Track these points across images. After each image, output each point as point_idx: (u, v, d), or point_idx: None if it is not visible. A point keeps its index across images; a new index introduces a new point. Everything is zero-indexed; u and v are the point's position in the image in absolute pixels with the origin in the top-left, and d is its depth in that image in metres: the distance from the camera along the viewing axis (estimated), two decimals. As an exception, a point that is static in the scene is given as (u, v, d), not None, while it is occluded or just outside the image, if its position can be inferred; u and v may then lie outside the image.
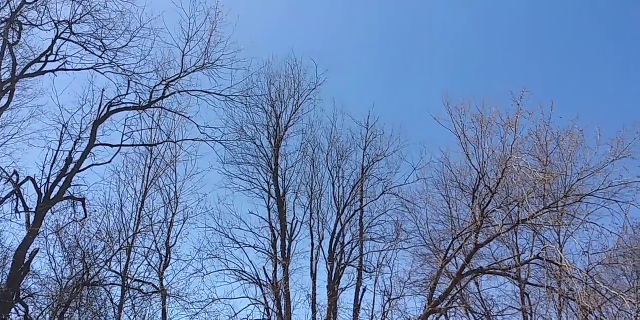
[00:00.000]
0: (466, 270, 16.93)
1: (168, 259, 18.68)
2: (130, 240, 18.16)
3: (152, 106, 17.59)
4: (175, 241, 18.96)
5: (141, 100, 17.31)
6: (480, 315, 20.24)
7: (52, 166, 16.46)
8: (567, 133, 14.98)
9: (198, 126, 17.69)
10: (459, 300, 18.84)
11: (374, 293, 19.61)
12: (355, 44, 40.26)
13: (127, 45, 16.38)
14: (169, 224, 19.14)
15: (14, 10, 15.41)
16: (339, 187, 20.52)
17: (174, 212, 19.30)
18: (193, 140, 18.30)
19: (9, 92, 15.72)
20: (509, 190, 16.21)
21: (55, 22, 16.03)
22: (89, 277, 16.06)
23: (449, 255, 17.71)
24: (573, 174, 14.95)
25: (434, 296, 17.35)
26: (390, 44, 41.69)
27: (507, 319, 20.48)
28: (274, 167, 19.95)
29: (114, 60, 16.58)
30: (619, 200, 14.66)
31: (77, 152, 16.68)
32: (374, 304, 19.41)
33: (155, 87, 17.18)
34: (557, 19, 41.32)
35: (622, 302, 14.11)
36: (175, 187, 19.64)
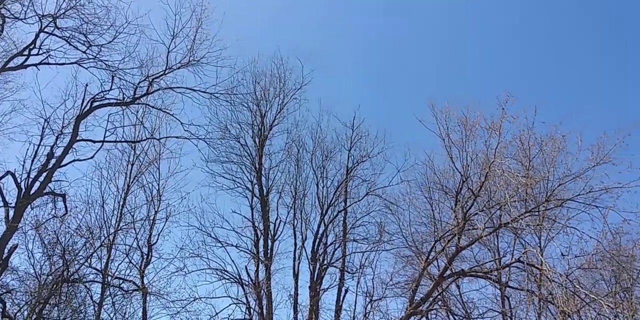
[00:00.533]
0: (448, 272, 17.11)
1: (149, 257, 18.61)
2: (111, 237, 18.06)
3: (136, 102, 17.51)
4: (157, 239, 18.92)
5: (125, 96, 17.23)
6: (461, 317, 20.42)
7: (32, 161, 16.35)
8: (550, 138, 15.23)
9: (182, 123, 17.66)
10: (440, 302, 18.99)
11: (356, 294, 19.71)
12: (341, 44, 40.54)
13: (112, 41, 16.29)
14: (151, 221, 19.07)
15: (-3, 3, 15.28)
16: (323, 187, 20.59)
17: (156, 209, 19.25)
18: (177, 137, 18.26)
19: (-10, 85, 15.58)
20: (491, 194, 16.40)
21: (39, 15, 15.90)
22: (69, 273, 15.97)
23: (431, 257, 17.84)
24: (554, 179, 15.23)
25: (416, 298, 17.48)
26: (377, 46, 42.02)
27: (487, 321, 20.74)
28: (257, 166, 19.93)
29: (98, 56, 16.49)
30: (599, 206, 14.96)
31: (58, 147, 16.58)
32: (355, 305, 19.52)
33: (139, 83, 17.11)
34: (543, 25, 41.92)
35: (600, 307, 14.35)
36: (158, 184, 19.59)
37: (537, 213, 15.66)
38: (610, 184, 14.68)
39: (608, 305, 14.35)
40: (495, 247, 20.36)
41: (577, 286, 14.98)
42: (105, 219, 18.35)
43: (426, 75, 41.50)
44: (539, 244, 19.14)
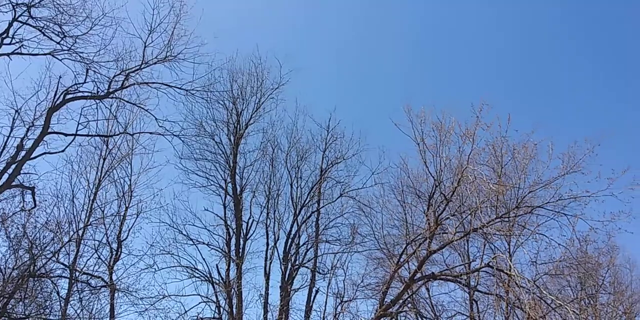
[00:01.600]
0: (418, 275, 17.37)
1: (119, 253, 18.52)
2: (80, 232, 17.90)
3: (110, 96, 17.32)
4: (127, 235, 18.81)
5: (99, 89, 17.03)
6: (430, 320, 20.81)
7: (1, 152, 16.08)
8: (522, 146, 15.61)
9: (156, 119, 17.49)
10: (409, 305, 19.32)
11: (327, 295, 19.94)
12: (319, 46, 40.98)
13: (87, 32, 16.07)
14: (122, 217, 18.95)
15: (-33, -10, 15.02)
16: (297, 187, 20.72)
17: (127, 205, 19.12)
18: (150, 133, 18.09)
19: (-41, 74, 15.32)
20: (463, 199, 16.72)
21: (13, 4, 15.63)
22: (35, 268, 15.81)
23: (402, 259, 18.10)
24: (525, 186, 15.63)
25: (386, 300, 17.74)
26: (355, 49, 42.65)
27: (455, 324, 21.14)
28: (232, 164, 19.92)
29: (73, 47, 16.24)
30: (568, 214, 15.41)
31: (29, 139, 16.32)
32: (325, 306, 19.75)
33: (114, 77, 16.91)
34: (518, 32, 43.01)
35: (566, 312, 14.75)
36: (130, 180, 19.47)
37: (507, 219, 16.04)
38: (579, 193, 15.16)
39: (573, 311, 14.80)
40: (466, 251, 20.80)
41: (544, 292, 15.42)
42: (75, 214, 18.20)
43: (403, 78, 42.31)
44: (508, 250, 19.58)
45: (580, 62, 43.50)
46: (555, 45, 43.42)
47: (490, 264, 16.67)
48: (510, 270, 15.41)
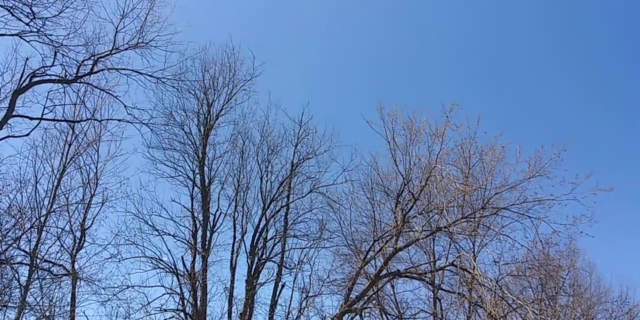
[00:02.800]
0: (384, 272, 17.67)
1: (82, 242, 18.34)
2: (42, 218, 17.68)
3: (78, 81, 17.08)
4: (92, 223, 18.61)
5: (67, 73, 16.77)
6: (394, 317, 21.15)
7: (-38, 134, 15.80)
8: (490, 148, 15.97)
9: (125, 106, 17.31)
10: (374, 301, 19.59)
11: (292, 289, 20.04)
12: (295, 41, 41.07)
13: (57, 15, 15.80)
14: (86, 205, 18.75)
15: None
16: (266, 181, 20.70)
17: (92, 193, 18.92)
18: (119, 120, 17.88)
19: None
20: (430, 198, 17.02)
21: (-20, -18, 15.33)
22: (-6, 254, 15.64)
23: (368, 256, 18.39)
24: (492, 188, 15.99)
25: (351, 296, 17.98)
26: (330, 45, 42.87)
27: (418, 322, 21.54)
28: (201, 155, 19.83)
29: (42, 29, 15.96)
30: (532, 216, 15.81)
31: (-8, 121, 16.07)
32: (291, 300, 19.85)
33: (83, 61, 16.67)
34: (488, 34, 43.86)
35: (526, 312, 15.20)
36: (96, 167, 19.23)
37: (472, 219, 16.39)
38: (543, 196, 15.57)
39: (533, 312, 15.25)
40: (431, 250, 21.18)
41: (506, 292, 15.79)
42: (38, 200, 17.93)
43: (377, 76, 42.79)
44: (472, 249, 20.02)
45: (551, 68, 44.63)
46: (527, 50, 44.51)
47: (455, 263, 17.06)
48: (473, 270, 15.77)
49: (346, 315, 18.10)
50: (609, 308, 26.70)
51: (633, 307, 26.82)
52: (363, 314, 19.26)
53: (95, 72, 17.05)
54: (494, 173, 15.96)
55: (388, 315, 20.93)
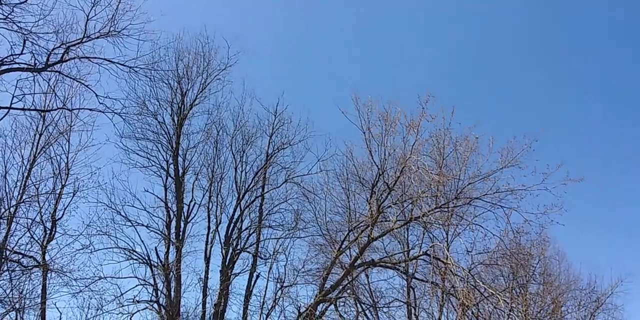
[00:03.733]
0: (358, 261, 17.92)
1: (53, 233, 18.17)
2: (12, 209, 17.48)
3: (49, 69, 16.81)
4: (63, 214, 18.43)
5: (37, 61, 16.51)
6: (368, 306, 21.45)
7: None
8: (464, 139, 16.27)
9: (97, 95, 17.08)
10: (348, 291, 19.86)
11: (267, 280, 20.19)
12: (270, 30, 40.95)
13: (25, 1, 15.54)
14: (57, 195, 18.56)
15: None
16: (241, 171, 20.74)
17: (63, 183, 18.72)
18: (90, 109, 17.62)
19: None
20: (405, 188, 17.27)
21: (-56, -34, 14.96)
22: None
23: (343, 246, 18.59)
24: (465, 178, 16.32)
25: (326, 285, 18.22)
26: (305, 35, 42.92)
27: (392, 310, 21.91)
28: (174, 145, 19.74)
29: (10, 16, 15.69)
30: (504, 206, 16.20)
31: (-41, 111, 15.80)
32: (266, 291, 20.00)
33: (53, 49, 16.41)
34: (463, 26, 44.45)
35: (497, 301, 15.63)
36: (67, 157, 19.00)
37: (446, 209, 16.73)
38: (515, 186, 15.94)
39: (504, 300, 15.70)
40: (405, 239, 21.48)
41: (478, 281, 16.19)
42: (7, 191, 17.70)
43: (352, 66, 42.99)
44: (445, 239, 20.37)
45: (525, 60, 45.44)
46: (503, 41, 45.19)
47: (428, 252, 17.40)
48: (446, 259, 16.11)
49: (321, 305, 18.31)
50: (577, 296, 27.59)
51: (601, 295, 27.74)
52: (338, 303, 19.44)
53: (66, 61, 16.82)
54: (468, 163, 16.31)
55: (362, 304, 21.24)
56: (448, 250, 16.91)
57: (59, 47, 16.57)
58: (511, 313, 16.38)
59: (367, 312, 21.39)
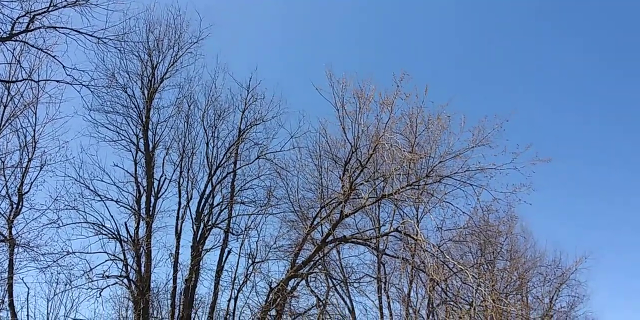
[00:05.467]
0: (330, 238, 18.24)
1: (19, 207, 18.00)
2: (-24, 183, 17.29)
3: (13, 39, 16.41)
4: (29, 188, 18.22)
5: (1, 31, 16.14)
6: (339, 281, 22.00)
7: None
8: (436, 117, 16.51)
9: (64, 67, 16.71)
10: (320, 266, 20.30)
11: (239, 255, 20.47)
12: (244, 4, 40.23)
13: (-13, -33, 15.09)
14: (24, 169, 18.33)
15: None
16: (213, 147, 20.61)
17: (29, 157, 18.46)
18: (57, 81, 17.23)
19: None
20: (377, 166, 17.57)
21: None
22: None
23: (315, 222, 18.88)
24: (436, 156, 16.66)
25: (297, 261, 18.53)
26: (279, 10, 42.28)
27: (363, 286, 22.49)
28: (144, 119, 19.49)
29: (-29, -17, 15.23)
30: (474, 184, 16.64)
31: None
32: (237, 266, 20.32)
33: (18, 18, 15.95)
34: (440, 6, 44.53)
35: (465, 276, 16.15)
36: (34, 130, 18.68)
37: (417, 187, 17.04)
38: (485, 165, 16.35)
39: (472, 275, 16.22)
40: (376, 216, 21.98)
41: (447, 257, 16.71)
42: (-29, 165, 17.47)
43: (326, 42, 42.75)
44: (416, 216, 20.89)
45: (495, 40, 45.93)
46: (477, 22, 45.49)
47: (399, 229, 17.80)
48: (417, 236, 16.52)
49: (292, 280, 18.67)
50: (543, 272, 28.68)
51: (565, 270, 28.88)
52: (309, 278, 19.84)
53: (32, 30, 16.39)
54: (439, 142, 16.62)
55: (333, 280, 21.75)
56: (418, 227, 17.28)
57: (24, 16, 16.15)
58: (479, 288, 16.93)
59: (338, 287, 21.95)
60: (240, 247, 20.58)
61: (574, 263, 28.74)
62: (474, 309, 18.22)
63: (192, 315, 19.21)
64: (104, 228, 18.36)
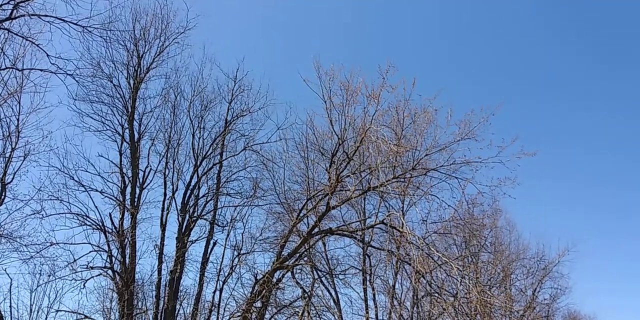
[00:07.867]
0: (316, 230, 18.42)
1: (2, 197, 17.92)
2: (-42, 173, 17.22)
3: (-3, 27, 16.39)
4: (13, 178, 18.14)
5: (-17, 18, 16.04)
6: (324, 273, 22.27)
7: None
8: (423, 110, 16.69)
9: (48, 56, 16.67)
10: (305, 258, 20.49)
11: (224, 247, 20.61)
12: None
13: (-31, -47, 14.97)
14: (7, 159, 18.26)
15: None
16: (199, 138, 20.68)
17: (13, 146, 18.36)
18: (42, 70, 17.17)
19: None
20: (363, 158, 17.77)
21: None
22: None
23: (301, 214, 19.06)
24: (422, 149, 16.85)
25: (283, 253, 18.70)
26: (267, 1, 42.19)
27: (348, 277, 22.79)
28: (130, 109, 19.47)
29: (-48, -31, 15.10)
30: (459, 177, 16.87)
31: None
32: (222, 258, 20.46)
33: (1, 6, 15.90)
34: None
35: (450, 269, 16.45)
36: (18, 119, 18.56)
37: (403, 179, 17.27)
38: (471, 158, 16.55)
39: (457, 268, 16.50)
40: (362, 208, 22.22)
41: (432, 249, 16.91)
42: (-46, 153, 17.38)
43: (316, 34, 42.75)
44: (402, 208, 21.17)
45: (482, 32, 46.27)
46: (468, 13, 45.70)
47: (385, 221, 18.00)
48: (402, 228, 16.76)
49: (278, 272, 18.81)
50: (526, 264, 29.26)
51: (548, 263, 29.45)
52: (294, 270, 19.97)
53: (15, 18, 16.31)
54: (426, 135, 16.80)
55: (319, 272, 22.00)
56: (404, 219, 17.51)
57: (7, 3, 16.04)
58: (463, 280, 17.22)
59: (323, 279, 22.22)
60: (226, 239, 20.77)
61: (557, 255, 29.40)
62: (458, 301, 18.62)
63: (177, 306, 19.36)
64: (88, 219, 18.40)
